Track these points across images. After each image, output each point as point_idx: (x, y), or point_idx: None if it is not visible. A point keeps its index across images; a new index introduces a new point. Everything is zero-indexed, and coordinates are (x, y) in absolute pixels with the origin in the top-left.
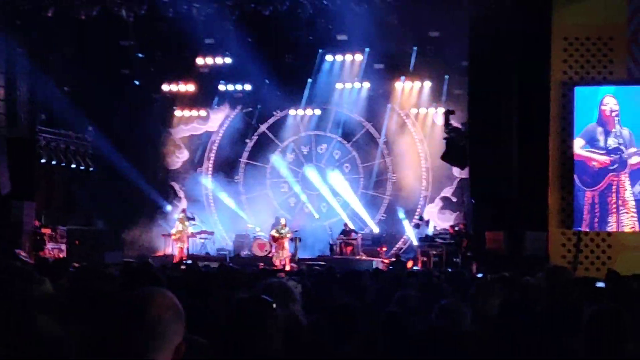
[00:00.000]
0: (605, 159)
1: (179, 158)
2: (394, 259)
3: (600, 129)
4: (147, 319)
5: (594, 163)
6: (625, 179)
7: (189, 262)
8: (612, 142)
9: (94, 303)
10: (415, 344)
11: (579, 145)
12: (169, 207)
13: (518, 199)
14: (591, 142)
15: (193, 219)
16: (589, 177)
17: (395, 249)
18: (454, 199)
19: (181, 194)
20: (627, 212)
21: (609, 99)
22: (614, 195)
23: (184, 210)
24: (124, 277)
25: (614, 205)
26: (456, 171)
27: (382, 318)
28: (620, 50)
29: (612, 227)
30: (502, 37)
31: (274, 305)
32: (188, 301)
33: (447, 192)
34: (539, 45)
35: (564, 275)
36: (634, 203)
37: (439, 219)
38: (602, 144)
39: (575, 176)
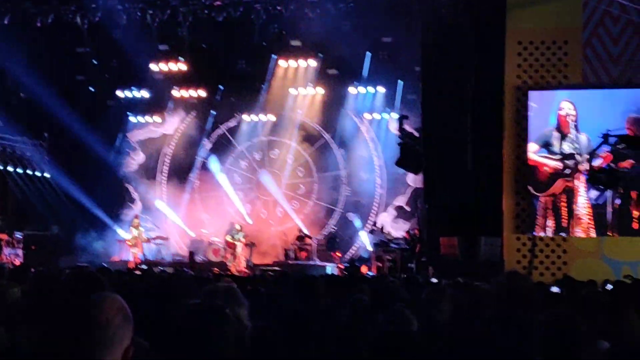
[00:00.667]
0: (557, 164)
1: (135, 160)
2: (347, 264)
3: (556, 134)
4: (97, 323)
5: (546, 168)
6: (579, 184)
7: (144, 267)
8: (567, 147)
9: (48, 309)
10: (368, 349)
11: (532, 150)
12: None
13: (472, 204)
14: (545, 146)
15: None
16: (541, 182)
17: (349, 254)
18: (408, 209)
19: (136, 195)
20: (580, 218)
21: (566, 104)
22: (567, 200)
23: (137, 216)
24: (72, 282)
25: (567, 211)
26: (410, 179)
27: (336, 323)
28: (575, 55)
29: (565, 232)
30: (455, 42)
31: (227, 311)
32: (144, 306)
33: (401, 200)
34: (492, 49)
35: (522, 281)
36: (589, 209)
37: (392, 228)
38: (556, 148)
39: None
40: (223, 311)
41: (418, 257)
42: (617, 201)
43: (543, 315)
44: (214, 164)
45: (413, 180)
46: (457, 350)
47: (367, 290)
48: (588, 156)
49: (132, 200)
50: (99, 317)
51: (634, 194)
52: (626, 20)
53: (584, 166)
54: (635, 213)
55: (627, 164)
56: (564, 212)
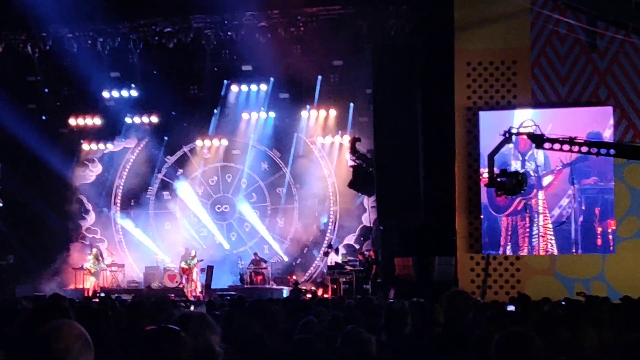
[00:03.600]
0: None
1: (92, 172)
2: (291, 288)
3: (514, 153)
4: (56, 350)
5: None
6: (541, 202)
7: (102, 295)
8: (525, 166)
9: (7, 339)
10: None
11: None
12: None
13: (426, 225)
14: (503, 166)
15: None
16: (500, 203)
17: (305, 276)
18: (357, 247)
19: (89, 207)
20: (543, 236)
21: (528, 122)
22: (527, 218)
23: (97, 246)
24: (34, 311)
25: (528, 229)
26: (365, 219)
27: (291, 345)
28: (524, 74)
29: (526, 250)
30: (405, 64)
31: (182, 334)
32: (103, 333)
33: (350, 239)
34: (442, 71)
35: (463, 299)
36: (550, 226)
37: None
38: (513, 167)
39: (487, 202)
40: (178, 335)
41: (373, 279)
42: (581, 218)
43: (499, 334)
44: (165, 191)
45: (366, 218)
46: None
47: (325, 313)
48: (541, 173)
49: (87, 212)
50: (57, 344)
51: (597, 211)
52: (573, 39)
53: (545, 182)
54: (599, 229)
55: (591, 180)
56: (524, 230)
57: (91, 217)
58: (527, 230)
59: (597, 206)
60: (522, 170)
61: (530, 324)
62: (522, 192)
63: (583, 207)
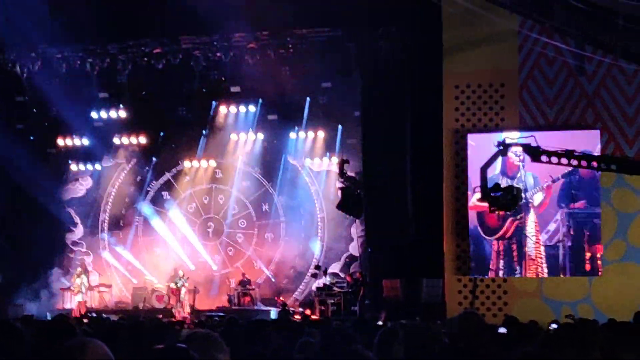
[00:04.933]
0: None
1: (83, 186)
2: (279, 309)
3: (502, 177)
4: None
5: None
6: (531, 223)
7: (93, 315)
8: None
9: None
10: None
11: (477, 198)
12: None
13: (414, 246)
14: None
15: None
16: (490, 227)
17: (293, 298)
18: (342, 275)
19: (77, 220)
20: (532, 259)
21: (516, 147)
22: (518, 241)
23: (82, 261)
24: (38, 333)
25: (519, 252)
26: (352, 247)
27: None
28: (512, 98)
29: (518, 273)
30: (394, 86)
31: (191, 352)
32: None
33: (335, 267)
34: (430, 93)
35: (475, 320)
36: (542, 249)
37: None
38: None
39: (478, 227)
40: (187, 353)
41: (361, 300)
42: (569, 243)
43: (516, 354)
44: (153, 211)
45: (353, 246)
46: None
47: (317, 334)
48: (536, 192)
49: (75, 225)
50: None
51: (585, 235)
52: (561, 62)
53: (536, 202)
54: (587, 255)
55: (580, 204)
56: (515, 253)
57: (79, 230)
58: (519, 253)
59: (585, 230)
60: (517, 185)
61: (538, 344)
62: (517, 208)
63: (571, 232)
